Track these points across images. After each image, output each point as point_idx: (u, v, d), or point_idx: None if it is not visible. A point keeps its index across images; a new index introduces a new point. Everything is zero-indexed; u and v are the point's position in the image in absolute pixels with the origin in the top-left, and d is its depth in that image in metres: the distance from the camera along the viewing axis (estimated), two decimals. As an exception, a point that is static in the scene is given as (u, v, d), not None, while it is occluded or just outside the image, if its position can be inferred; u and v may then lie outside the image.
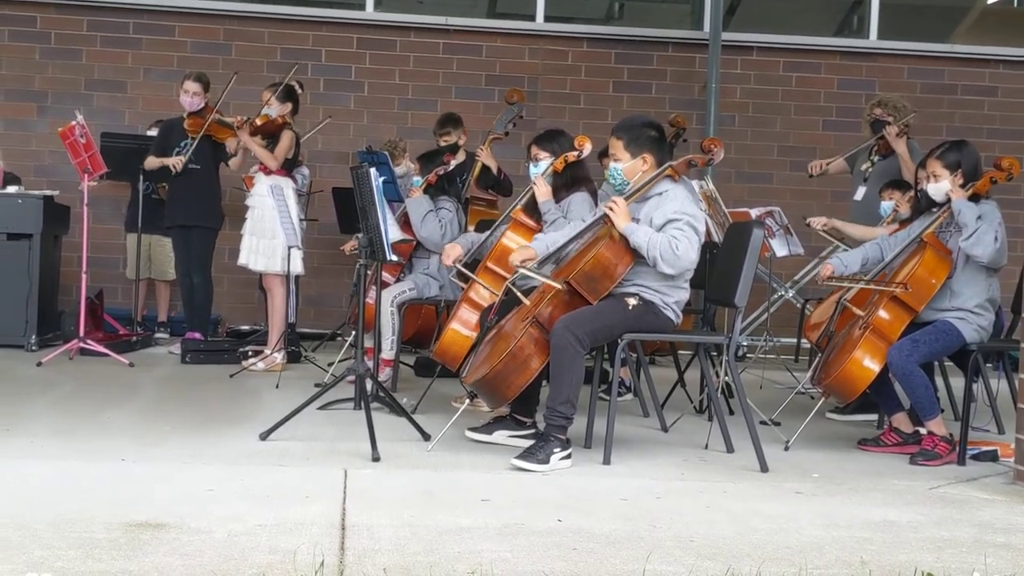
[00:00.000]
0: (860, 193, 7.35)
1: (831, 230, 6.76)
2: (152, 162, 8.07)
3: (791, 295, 9.58)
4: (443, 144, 7.76)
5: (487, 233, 6.11)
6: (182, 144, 8.00)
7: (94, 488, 3.94)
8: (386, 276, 6.74)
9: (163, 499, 3.77)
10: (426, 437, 4.98)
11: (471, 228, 7.05)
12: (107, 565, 2.98)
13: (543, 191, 5.78)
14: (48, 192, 8.31)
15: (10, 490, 3.87)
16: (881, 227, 6.45)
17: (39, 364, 7.09)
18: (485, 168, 7.69)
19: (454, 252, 5.88)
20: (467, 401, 5.26)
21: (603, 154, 6.91)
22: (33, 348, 7.84)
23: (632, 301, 4.77)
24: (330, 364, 7.00)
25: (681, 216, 4.73)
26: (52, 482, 4.02)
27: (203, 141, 7.91)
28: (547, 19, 10.53)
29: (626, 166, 4.93)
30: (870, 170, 7.32)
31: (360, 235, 5.39)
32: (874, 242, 5.62)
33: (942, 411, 5.24)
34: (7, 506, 3.57)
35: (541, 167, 5.85)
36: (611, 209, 4.79)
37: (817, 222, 6.64)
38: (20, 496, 3.77)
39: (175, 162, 7.88)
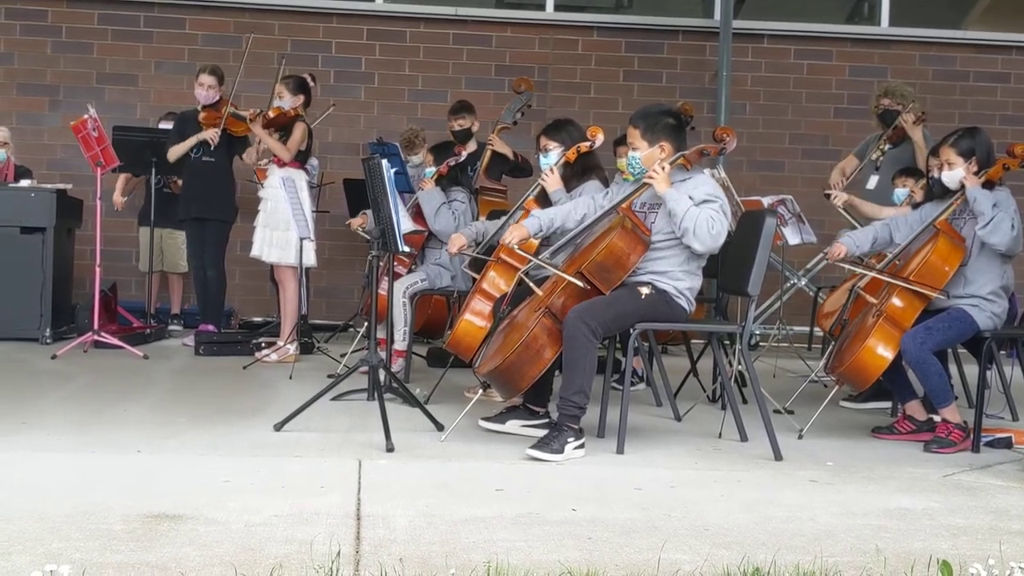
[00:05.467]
0: (873, 182, 7.33)
1: (848, 207, 6.73)
2: (176, 150, 8.03)
3: (804, 283, 9.56)
4: (457, 128, 7.75)
5: (500, 224, 6.11)
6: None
7: (111, 480, 3.96)
8: (398, 267, 6.75)
9: (179, 490, 3.78)
10: (440, 427, 5.00)
11: (483, 218, 7.05)
12: (125, 557, 2.99)
13: (553, 181, 5.78)
14: (61, 186, 8.34)
15: (27, 483, 3.89)
16: (894, 209, 6.44)
17: (54, 357, 7.11)
18: (497, 157, 7.68)
19: (459, 241, 5.92)
20: (480, 391, 5.28)
21: (618, 143, 6.92)
22: (48, 341, 7.87)
23: (645, 290, 4.78)
24: (343, 355, 7.02)
25: (716, 199, 4.76)
26: (69, 474, 4.04)
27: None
28: (557, 8, 10.53)
29: (644, 154, 4.93)
30: (881, 159, 7.30)
31: (368, 211, 5.37)
32: (883, 222, 5.59)
33: (956, 398, 5.23)
34: (25, 498, 3.59)
35: (551, 158, 5.84)
36: (652, 177, 4.80)
37: (839, 199, 6.59)
38: (37, 488, 3.78)
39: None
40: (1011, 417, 5.86)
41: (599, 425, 5.12)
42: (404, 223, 5.97)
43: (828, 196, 6.68)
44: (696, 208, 4.70)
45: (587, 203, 5.16)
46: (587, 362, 4.59)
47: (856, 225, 6.62)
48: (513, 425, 5.06)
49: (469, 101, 8.17)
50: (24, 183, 8.28)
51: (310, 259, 7.46)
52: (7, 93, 9.98)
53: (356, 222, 7.12)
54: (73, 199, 8.55)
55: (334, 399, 5.55)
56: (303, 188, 7.39)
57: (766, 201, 7.86)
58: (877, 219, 6.00)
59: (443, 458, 4.52)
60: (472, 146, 7.69)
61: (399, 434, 4.68)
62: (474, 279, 5.97)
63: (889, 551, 3.30)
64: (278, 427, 4.91)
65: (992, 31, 10.87)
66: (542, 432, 4.73)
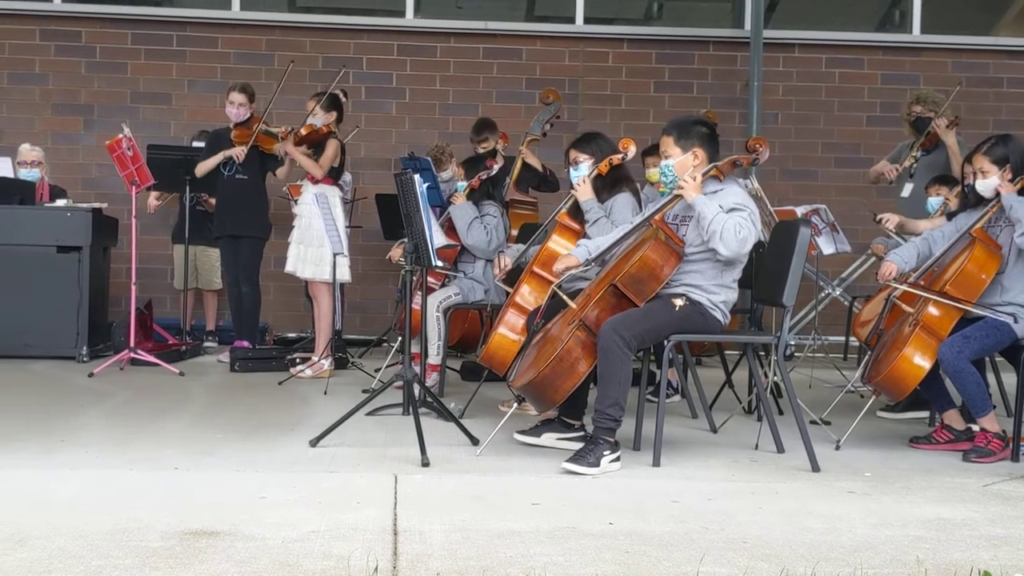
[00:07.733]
0: (907, 190, 7.28)
1: (899, 228, 6.62)
2: (204, 165, 8.11)
3: (839, 293, 9.50)
4: (481, 151, 7.79)
5: (533, 237, 6.12)
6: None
7: (149, 497, 3.98)
8: (431, 281, 6.76)
9: (217, 507, 3.80)
10: (475, 441, 5.00)
11: (515, 232, 7.06)
12: (164, 573, 3.01)
13: (585, 190, 5.78)
14: (96, 205, 8.41)
15: (67, 500, 3.91)
16: (937, 219, 6.36)
17: (91, 375, 7.17)
18: (527, 169, 7.68)
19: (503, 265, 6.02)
20: (515, 405, 5.27)
21: (646, 153, 6.93)
22: (84, 359, 7.93)
23: (679, 302, 4.76)
24: (377, 370, 7.04)
25: (744, 207, 4.76)
26: (107, 492, 4.06)
27: (250, 151, 7.98)
28: (587, 21, 10.54)
29: (677, 162, 4.93)
30: (915, 166, 7.25)
31: (405, 240, 5.41)
32: (922, 237, 5.55)
33: (994, 407, 5.18)
34: (64, 516, 3.61)
35: (582, 170, 5.84)
36: (682, 186, 4.81)
37: (891, 222, 6.47)
38: (76, 506, 3.81)
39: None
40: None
41: (635, 437, 5.11)
42: (437, 237, 5.98)
43: (879, 221, 6.52)
44: (724, 214, 4.70)
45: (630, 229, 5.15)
46: (622, 374, 4.58)
47: (902, 241, 6.53)
48: (548, 438, 5.05)
49: (488, 118, 8.21)
50: (60, 203, 8.36)
51: (344, 274, 7.49)
52: (42, 113, 10.10)
53: (396, 254, 7.01)
54: (108, 218, 8.62)
55: (369, 414, 5.57)
56: (336, 204, 7.44)
57: (800, 211, 7.81)
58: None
59: (479, 472, 4.52)
60: (501, 160, 7.71)
61: (434, 448, 4.69)
62: (507, 293, 5.98)
63: (929, 562, 3.27)
64: (314, 442, 4.92)
65: (1025, 36, 10.81)
66: (577, 445, 4.73)
